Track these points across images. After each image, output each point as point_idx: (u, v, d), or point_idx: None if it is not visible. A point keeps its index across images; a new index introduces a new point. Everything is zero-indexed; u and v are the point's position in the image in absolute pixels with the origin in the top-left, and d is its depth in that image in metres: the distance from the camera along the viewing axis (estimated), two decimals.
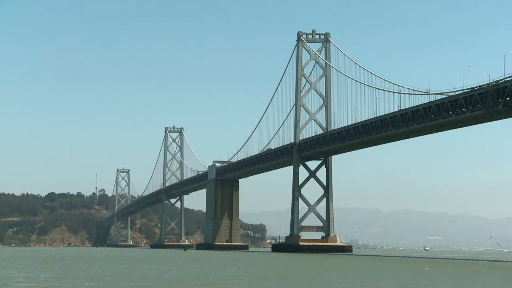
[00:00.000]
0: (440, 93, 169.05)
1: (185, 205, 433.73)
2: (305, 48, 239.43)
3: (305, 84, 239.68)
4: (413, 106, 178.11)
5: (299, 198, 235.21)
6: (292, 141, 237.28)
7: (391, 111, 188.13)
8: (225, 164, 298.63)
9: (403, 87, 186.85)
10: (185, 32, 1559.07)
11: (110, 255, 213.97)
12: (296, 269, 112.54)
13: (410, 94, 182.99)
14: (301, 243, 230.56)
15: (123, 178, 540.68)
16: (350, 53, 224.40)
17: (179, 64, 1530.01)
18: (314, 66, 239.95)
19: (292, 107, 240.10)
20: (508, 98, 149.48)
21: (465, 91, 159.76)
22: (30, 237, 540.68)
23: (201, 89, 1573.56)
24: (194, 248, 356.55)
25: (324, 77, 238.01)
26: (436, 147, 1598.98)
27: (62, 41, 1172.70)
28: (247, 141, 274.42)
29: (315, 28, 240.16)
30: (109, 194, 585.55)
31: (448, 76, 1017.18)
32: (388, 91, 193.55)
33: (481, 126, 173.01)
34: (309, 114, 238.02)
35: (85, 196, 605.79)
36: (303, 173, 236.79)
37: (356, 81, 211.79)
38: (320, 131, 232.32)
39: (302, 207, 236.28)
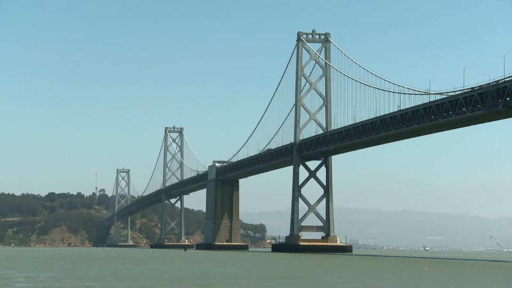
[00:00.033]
0: (440, 93, 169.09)
1: (185, 205, 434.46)
2: (305, 48, 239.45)
3: (305, 84, 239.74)
4: (413, 106, 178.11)
5: (299, 198, 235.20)
6: (292, 141, 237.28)
7: (391, 111, 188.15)
8: (225, 164, 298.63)
9: (403, 87, 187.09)
10: (185, 32, 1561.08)
11: (110, 255, 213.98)
12: (296, 269, 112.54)
13: (410, 94, 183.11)
14: (301, 243, 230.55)
15: (123, 178, 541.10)
16: (350, 53, 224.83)
17: (179, 64, 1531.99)
18: (314, 66, 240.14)
19: (292, 107, 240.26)
20: (508, 98, 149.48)
21: (465, 91, 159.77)
22: (30, 237, 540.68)
23: (201, 89, 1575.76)
24: (194, 248, 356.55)
25: (324, 77, 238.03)
26: (436, 147, 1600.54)
27: (62, 41, 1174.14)
28: (247, 141, 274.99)
29: (315, 28, 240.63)
30: (109, 194, 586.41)
31: (448, 76, 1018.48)
32: (388, 91, 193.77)
33: (481, 126, 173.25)
34: (309, 114, 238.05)
35: (85, 196, 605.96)
36: (303, 173, 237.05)
37: (356, 81, 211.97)
38: (320, 131, 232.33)
39: (302, 207, 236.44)
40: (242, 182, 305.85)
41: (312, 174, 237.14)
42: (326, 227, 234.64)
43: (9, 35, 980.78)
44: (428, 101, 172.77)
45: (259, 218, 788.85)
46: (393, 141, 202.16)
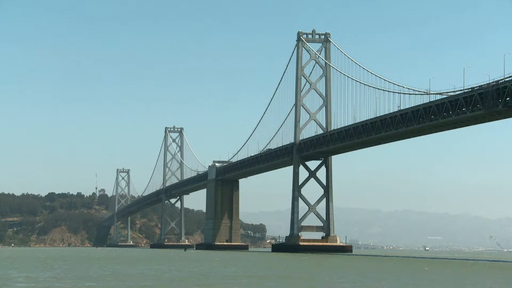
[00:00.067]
0: (440, 93, 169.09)
1: (185, 205, 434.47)
2: (305, 48, 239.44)
3: (305, 84, 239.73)
4: (413, 106, 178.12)
5: (299, 198, 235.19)
6: (292, 141, 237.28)
7: (391, 111, 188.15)
8: (225, 164, 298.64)
9: (403, 87, 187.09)
10: (185, 32, 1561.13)
11: (110, 255, 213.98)
12: (296, 269, 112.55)
13: (410, 94, 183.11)
14: (301, 243, 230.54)
15: (123, 178, 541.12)
16: (350, 53, 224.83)
17: (179, 64, 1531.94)
18: (314, 66, 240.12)
19: (292, 107, 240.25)
20: (508, 98, 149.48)
21: (465, 91, 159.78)
22: (30, 237, 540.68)
23: (201, 89, 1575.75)
24: (194, 248, 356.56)
25: (324, 77, 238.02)
26: (436, 147, 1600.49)
27: (62, 41, 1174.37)
28: (247, 141, 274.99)
29: (315, 28, 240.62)
30: (109, 194, 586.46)
31: (448, 76, 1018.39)
32: (388, 91, 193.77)
33: (481, 126, 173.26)
34: (309, 114, 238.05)
35: (85, 196, 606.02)
36: (303, 173, 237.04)
37: (356, 81, 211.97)
38: (320, 131, 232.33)
39: (302, 207, 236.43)
40: (242, 182, 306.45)
41: (312, 174, 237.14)
42: (326, 227, 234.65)
43: (9, 35, 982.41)
44: (428, 101, 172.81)
45: (259, 218, 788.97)
46: (393, 141, 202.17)
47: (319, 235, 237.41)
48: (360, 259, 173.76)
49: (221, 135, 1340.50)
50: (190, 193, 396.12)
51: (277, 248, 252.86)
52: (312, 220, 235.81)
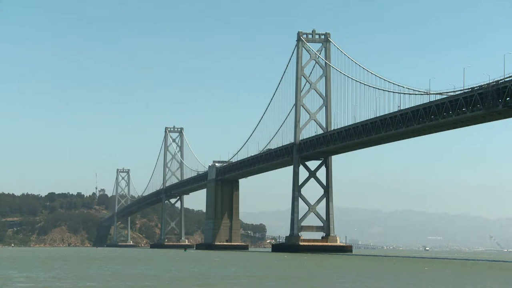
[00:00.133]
0: (440, 93, 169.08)
1: (185, 205, 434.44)
2: (305, 48, 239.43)
3: (305, 84, 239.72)
4: (413, 106, 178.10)
5: (299, 198, 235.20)
6: (292, 141, 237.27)
7: (391, 111, 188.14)
8: (225, 164, 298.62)
9: (403, 87, 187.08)
10: (185, 32, 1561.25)
11: (110, 255, 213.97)
12: (296, 269, 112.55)
13: (410, 94, 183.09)
14: (301, 243, 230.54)
15: (123, 178, 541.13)
16: (350, 53, 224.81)
17: (179, 64, 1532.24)
18: (314, 66, 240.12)
19: (292, 107, 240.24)
20: (508, 98, 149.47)
21: (465, 91, 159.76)
22: (30, 237, 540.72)
23: (201, 89, 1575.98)
24: (194, 248, 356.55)
25: (324, 77, 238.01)
26: (436, 147, 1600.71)
27: (62, 41, 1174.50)
28: (247, 141, 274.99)
29: (315, 28, 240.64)
30: (109, 194, 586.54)
31: (448, 76, 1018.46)
32: (388, 91, 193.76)
33: (481, 126, 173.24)
34: (309, 114, 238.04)
35: (85, 196, 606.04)
36: (303, 173, 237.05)
37: (356, 81, 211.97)
38: (320, 131, 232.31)
39: (302, 207, 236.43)
40: (242, 182, 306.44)
41: (312, 174, 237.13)
42: (326, 227, 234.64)
43: (9, 35, 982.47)
44: (428, 101, 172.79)
45: (259, 218, 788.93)
46: (393, 141, 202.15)
47: (319, 235, 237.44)
48: (360, 259, 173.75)
49: (221, 135, 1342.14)
50: (190, 193, 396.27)
51: (277, 248, 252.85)
52: (312, 220, 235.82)
